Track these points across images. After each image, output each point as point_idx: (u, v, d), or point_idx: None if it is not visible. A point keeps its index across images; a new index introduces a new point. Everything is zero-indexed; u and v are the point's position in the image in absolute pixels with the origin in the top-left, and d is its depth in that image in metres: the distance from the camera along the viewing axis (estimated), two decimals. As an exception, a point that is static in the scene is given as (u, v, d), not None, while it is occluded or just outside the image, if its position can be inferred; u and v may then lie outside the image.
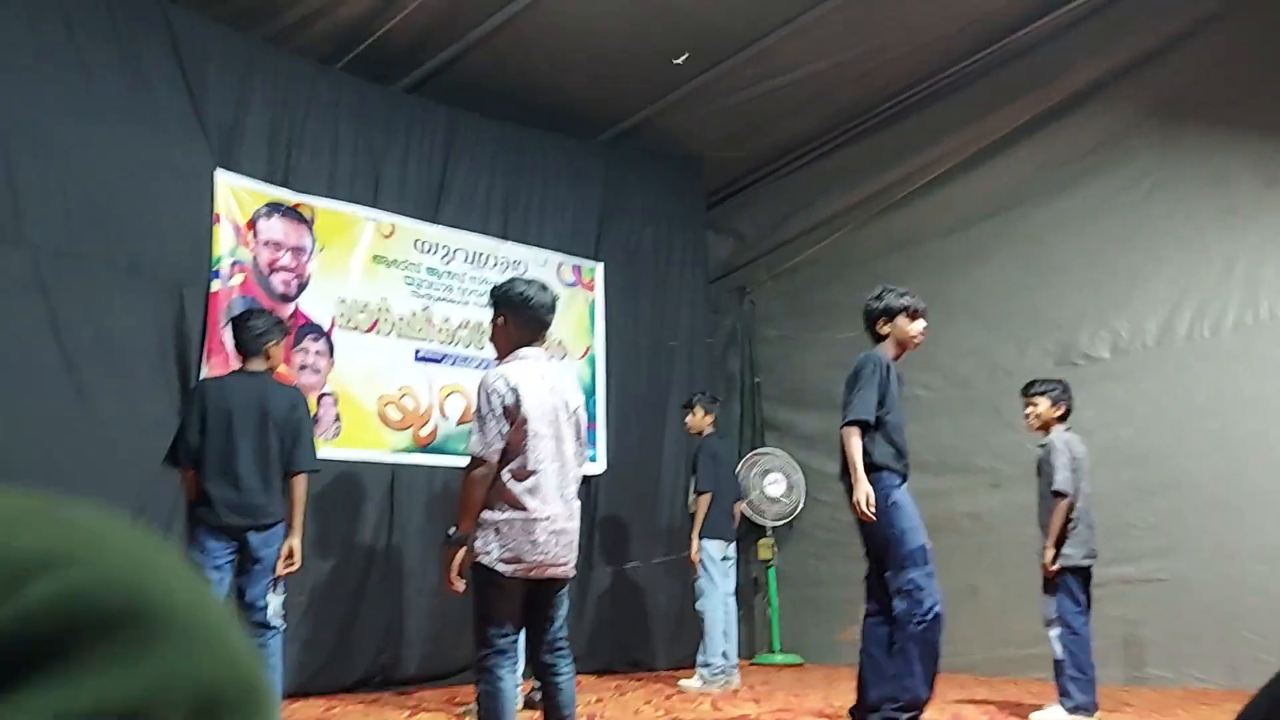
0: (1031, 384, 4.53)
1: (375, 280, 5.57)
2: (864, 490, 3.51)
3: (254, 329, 3.75)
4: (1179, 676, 5.24)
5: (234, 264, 4.99)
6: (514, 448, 2.71)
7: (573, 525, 2.81)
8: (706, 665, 5.48)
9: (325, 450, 5.26)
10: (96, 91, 4.63)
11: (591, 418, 6.50)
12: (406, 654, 5.43)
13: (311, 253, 5.32)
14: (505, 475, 2.70)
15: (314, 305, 5.30)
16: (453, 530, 2.73)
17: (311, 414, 5.21)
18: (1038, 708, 4.26)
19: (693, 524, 5.64)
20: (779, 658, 6.89)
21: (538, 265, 6.36)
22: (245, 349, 3.76)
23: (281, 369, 5.12)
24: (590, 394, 6.54)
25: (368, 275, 5.55)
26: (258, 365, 3.74)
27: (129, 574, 0.35)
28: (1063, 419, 4.43)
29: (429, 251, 5.77)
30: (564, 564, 2.77)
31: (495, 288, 2.97)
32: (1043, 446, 4.42)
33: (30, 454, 4.28)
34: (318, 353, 5.31)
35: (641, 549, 6.61)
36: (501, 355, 2.90)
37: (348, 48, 5.65)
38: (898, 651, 3.47)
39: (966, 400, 6.47)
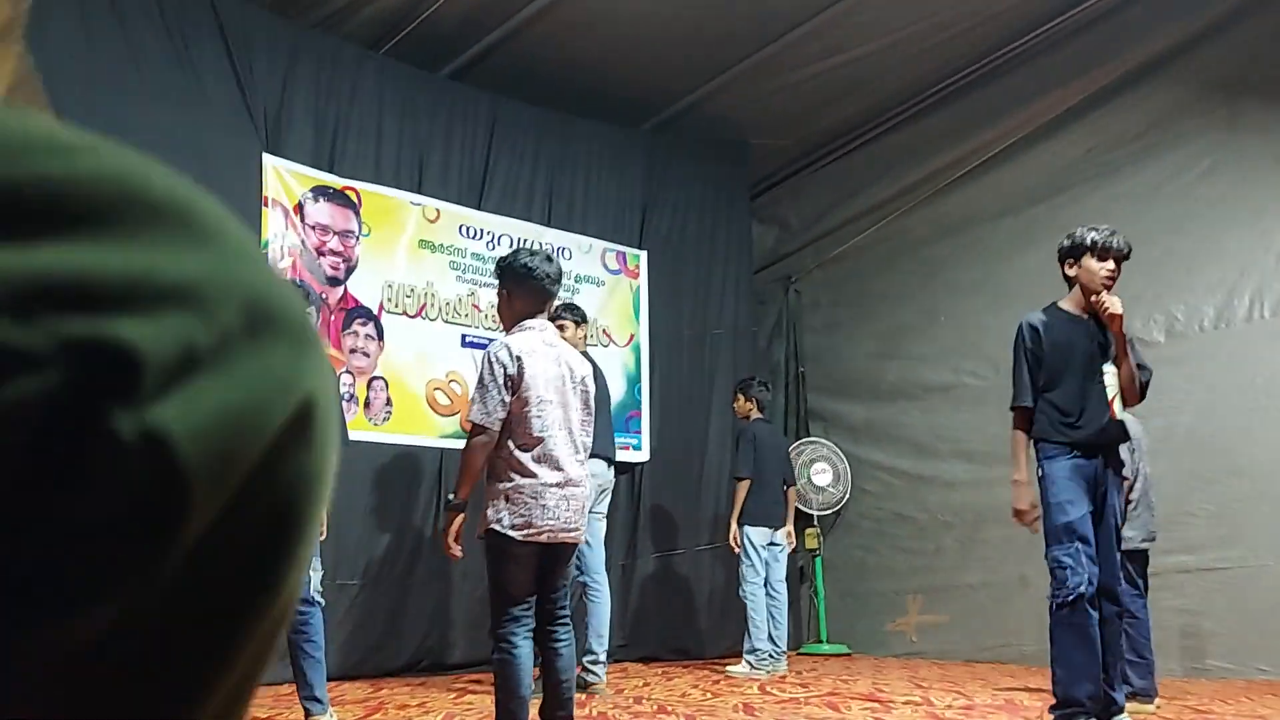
0: None
1: (421, 265, 5.60)
2: (1023, 496, 3.17)
3: None
4: (1242, 668, 5.09)
5: (284, 246, 5.04)
6: (519, 416, 2.71)
7: (582, 491, 2.80)
8: (753, 652, 5.43)
9: (376, 434, 5.30)
10: (145, 78, 4.71)
11: (636, 406, 6.49)
12: (454, 638, 5.45)
13: (359, 236, 5.35)
14: (511, 444, 2.70)
15: (362, 289, 5.34)
16: (452, 496, 2.74)
17: (362, 398, 5.27)
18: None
19: (732, 510, 5.60)
20: (826, 648, 6.83)
21: (581, 252, 6.35)
22: None
23: (331, 351, 5.18)
24: (635, 382, 6.52)
25: (414, 260, 5.57)
26: None
27: (179, 185, 0.34)
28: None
29: (474, 237, 5.78)
30: (574, 529, 2.78)
31: (500, 259, 2.97)
32: None
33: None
34: (367, 336, 5.34)
35: (686, 536, 6.58)
36: (507, 327, 2.90)
37: (392, 33, 5.68)
38: (1052, 642, 3.09)
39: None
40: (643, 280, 6.67)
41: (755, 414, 5.84)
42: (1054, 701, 3.06)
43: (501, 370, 2.71)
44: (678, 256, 6.92)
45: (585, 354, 4.48)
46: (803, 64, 6.35)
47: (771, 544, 5.62)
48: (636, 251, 6.68)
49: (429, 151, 5.72)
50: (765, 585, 5.58)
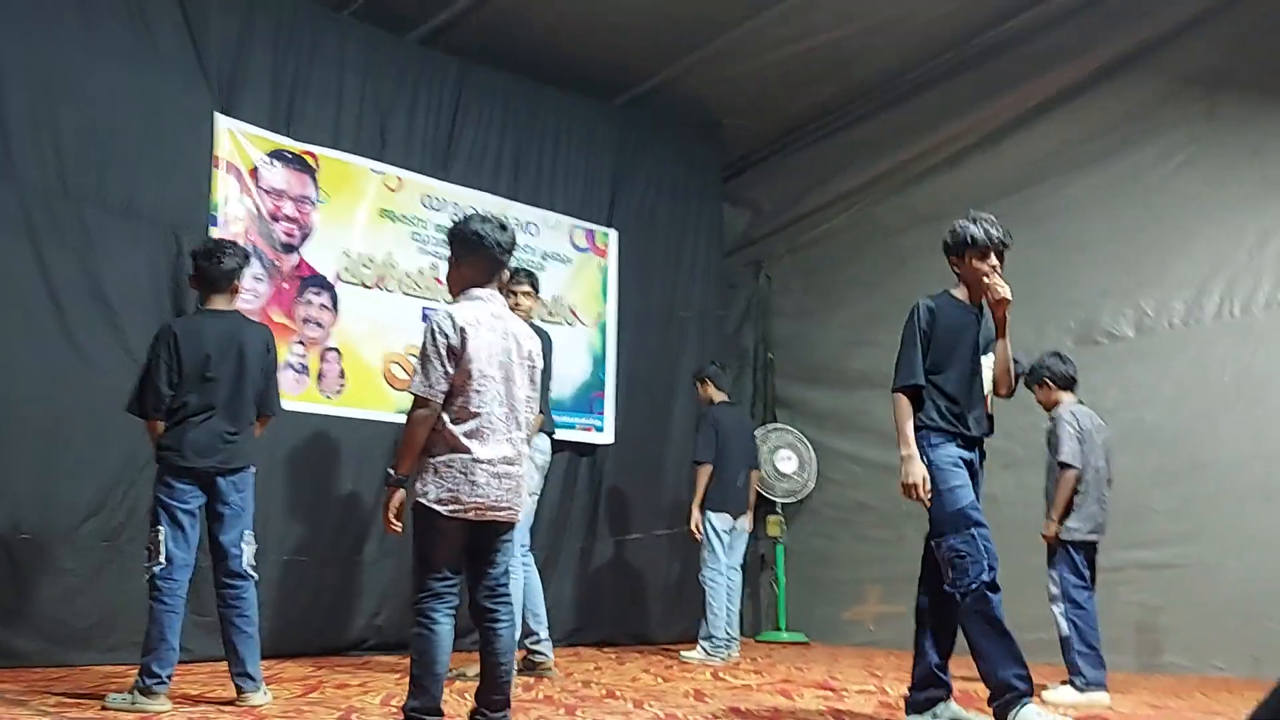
0: (1026, 377, 4.43)
1: (381, 235, 5.44)
2: (915, 470, 3.07)
3: (225, 264, 3.46)
4: (1198, 665, 5.06)
5: (235, 210, 4.88)
6: (458, 389, 2.61)
7: (517, 470, 2.70)
8: (709, 638, 5.35)
9: (328, 407, 5.16)
10: (93, 30, 4.53)
11: (601, 387, 6.38)
12: (404, 617, 5.31)
13: (316, 203, 5.19)
14: (446, 417, 2.60)
15: (318, 257, 5.18)
16: (391, 470, 2.64)
17: (314, 370, 5.12)
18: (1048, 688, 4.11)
19: (693, 496, 5.51)
20: (784, 635, 6.77)
21: (549, 228, 6.22)
22: (212, 285, 3.47)
23: (282, 320, 5.03)
24: (601, 363, 6.41)
25: (373, 229, 5.42)
26: (224, 303, 3.49)
27: None
28: (1067, 389, 4.41)
29: (437, 208, 5.63)
30: (507, 507, 2.67)
31: (451, 224, 2.85)
32: (1051, 420, 4.38)
33: (21, 398, 4.19)
34: (322, 306, 5.19)
35: (646, 521, 6.48)
36: (454, 295, 2.79)
37: (358, -6, 5.51)
38: (966, 634, 3.01)
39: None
40: (611, 259, 6.55)
41: (719, 398, 5.75)
42: (989, 694, 2.97)
43: (445, 341, 2.60)
44: (648, 236, 6.79)
45: (535, 326, 4.35)
46: (777, 45, 6.23)
47: (731, 530, 5.54)
48: (605, 229, 6.55)
49: (392, 117, 5.56)
50: (722, 571, 5.49)
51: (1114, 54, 5.87)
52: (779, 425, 7.29)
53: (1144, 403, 5.53)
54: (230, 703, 3.36)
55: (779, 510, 6.99)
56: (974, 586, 2.95)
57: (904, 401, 3.18)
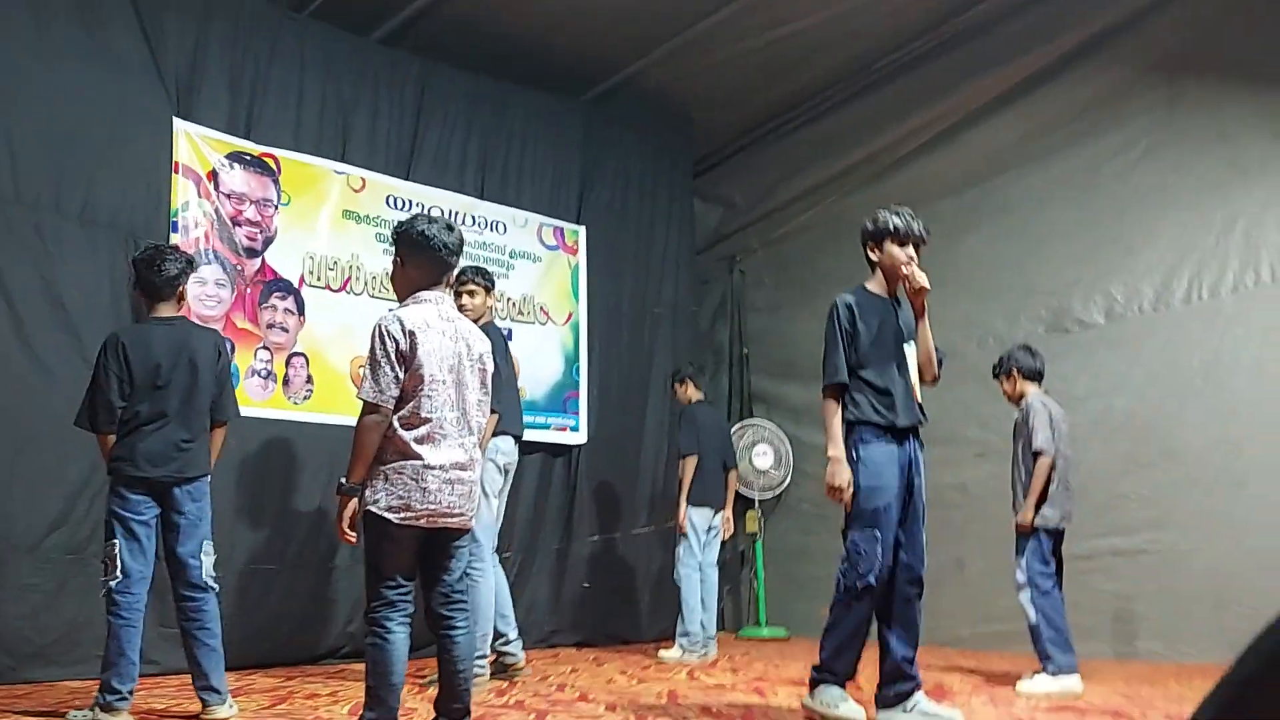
0: (994, 368, 4.57)
1: (345, 236, 5.38)
2: (841, 473, 3.12)
3: (167, 271, 3.37)
4: (1171, 651, 5.08)
5: (195, 215, 4.80)
6: (408, 394, 2.56)
7: (470, 475, 2.66)
8: (686, 635, 5.33)
9: (295, 413, 5.09)
10: (45, 33, 4.44)
11: (574, 386, 6.34)
12: (376, 624, 5.26)
13: (278, 205, 5.12)
14: (396, 422, 2.56)
15: (281, 260, 5.11)
16: (343, 480, 2.58)
17: (280, 375, 5.05)
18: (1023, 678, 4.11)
19: (679, 490, 5.48)
20: (764, 631, 6.76)
21: (517, 226, 6.17)
22: (157, 293, 3.40)
23: (246, 325, 4.96)
24: (574, 362, 6.36)
25: (337, 231, 5.35)
26: (170, 310, 3.42)
27: None
28: (1032, 379, 4.45)
29: (402, 208, 5.57)
30: (459, 514, 2.63)
31: (396, 225, 2.81)
32: (1021, 410, 4.41)
33: (-24, 409, 4.11)
34: (286, 310, 5.12)
35: (623, 520, 6.45)
36: (401, 298, 2.75)
37: (316, -6, 5.44)
38: (832, 614, 3.18)
39: (954, 371, 6.17)
40: (581, 257, 6.50)
41: (696, 397, 5.74)
42: (817, 663, 3.21)
43: (394, 345, 2.56)
44: (618, 233, 6.75)
45: (491, 324, 4.29)
46: (745, 36, 6.20)
47: (709, 527, 5.51)
48: (575, 226, 6.50)
49: (353, 118, 5.49)
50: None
51: (1075, 41, 5.87)
52: (755, 421, 7.28)
53: (1114, 390, 5.54)
54: (195, 717, 3.31)
55: (756, 506, 6.98)
56: (860, 585, 3.10)
57: (831, 403, 3.23)
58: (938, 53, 6.43)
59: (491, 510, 4.26)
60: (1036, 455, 4.23)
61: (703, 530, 5.47)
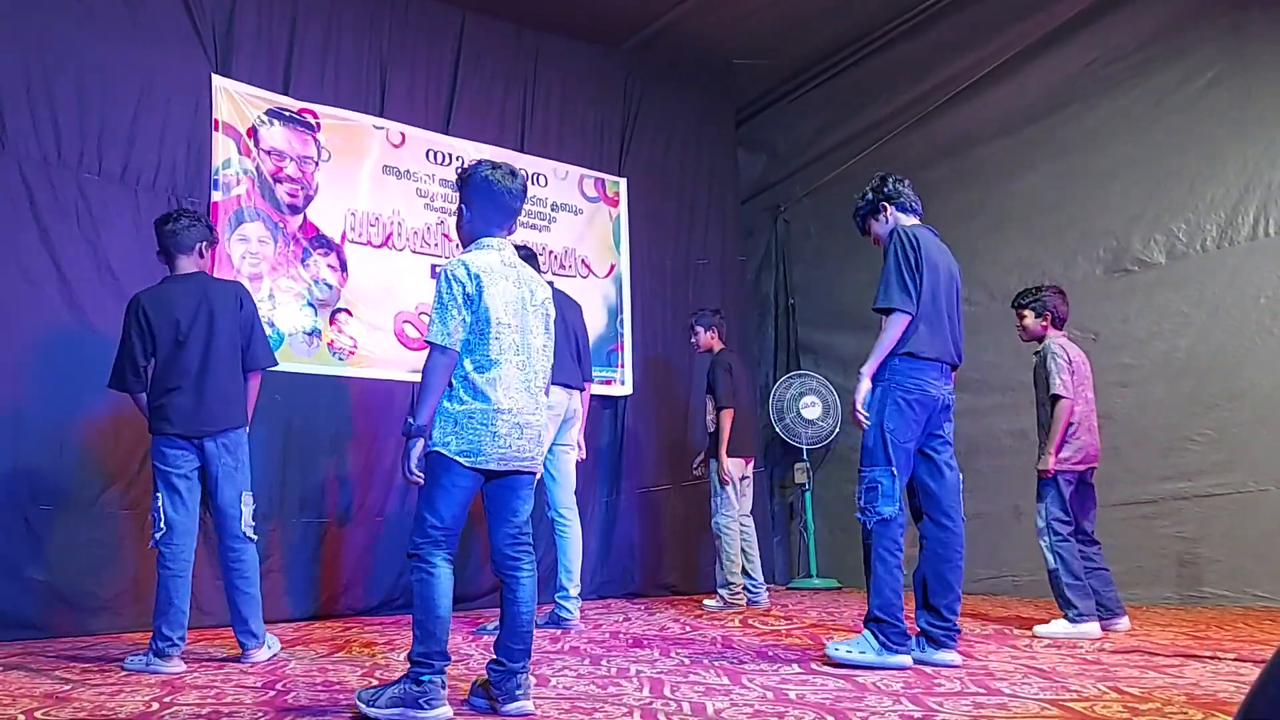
0: (1017, 297, 4.47)
1: (386, 192, 5.35)
2: (859, 389, 3.35)
3: (185, 230, 3.41)
4: (1239, 595, 4.94)
5: (236, 173, 4.80)
6: (475, 338, 2.55)
7: (538, 419, 2.65)
8: (726, 585, 5.28)
9: (342, 369, 5.11)
10: (85, -4, 4.43)
11: (617, 339, 6.29)
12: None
13: (318, 162, 5.10)
14: (467, 366, 2.54)
15: (323, 217, 5.10)
16: (411, 419, 2.56)
17: (325, 332, 5.06)
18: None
19: (717, 442, 5.39)
20: (816, 582, 6.70)
21: (558, 179, 6.10)
22: (175, 249, 3.43)
23: (289, 283, 4.96)
24: (616, 314, 6.31)
25: (378, 186, 5.32)
26: (189, 266, 3.44)
27: None
28: (1056, 326, 4.36)
29: (442, 162, 5.53)
30: (529, 458, 2.62)
31: (460, 171, 2.77)
32: (1037, 354, 4.31)
33: (27, 366, 4.17)
34: (329, 267, 5.12)
35: (671, 471, 6.42)
36: (465, 244, 2.72)
37: (351, -53, 5.37)
38: (866, 561, 3.36)
39: (1011, 315, 6.14)
40: (623, 208, 6.42)
41: (718, 345, 5.58)
42: (868, 613, 3.28)
43: (460, 289, 2.54)
44: (660, 184, 6.65)
45: (563, 292, 4.35)
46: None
47: (743, 477, 5.45)
48: (616, 178, 6.42)
49: (392, 72, 5.44)
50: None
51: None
52: (803, 371, 7.18)
53: (1177, 331, 5.36)
54: (237, 659, 3.38)
55: (805, 457, 6.90)
56: (877, 522, 3.24)
57: (897, 327, 3.31)
58: (988, -13, 6.21)
59: (569, 463, 4.50)
60: (1055, 400, 4.13)
61: (738, 480, 5.41)
